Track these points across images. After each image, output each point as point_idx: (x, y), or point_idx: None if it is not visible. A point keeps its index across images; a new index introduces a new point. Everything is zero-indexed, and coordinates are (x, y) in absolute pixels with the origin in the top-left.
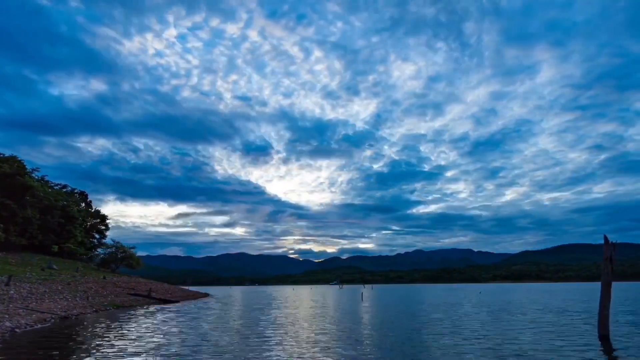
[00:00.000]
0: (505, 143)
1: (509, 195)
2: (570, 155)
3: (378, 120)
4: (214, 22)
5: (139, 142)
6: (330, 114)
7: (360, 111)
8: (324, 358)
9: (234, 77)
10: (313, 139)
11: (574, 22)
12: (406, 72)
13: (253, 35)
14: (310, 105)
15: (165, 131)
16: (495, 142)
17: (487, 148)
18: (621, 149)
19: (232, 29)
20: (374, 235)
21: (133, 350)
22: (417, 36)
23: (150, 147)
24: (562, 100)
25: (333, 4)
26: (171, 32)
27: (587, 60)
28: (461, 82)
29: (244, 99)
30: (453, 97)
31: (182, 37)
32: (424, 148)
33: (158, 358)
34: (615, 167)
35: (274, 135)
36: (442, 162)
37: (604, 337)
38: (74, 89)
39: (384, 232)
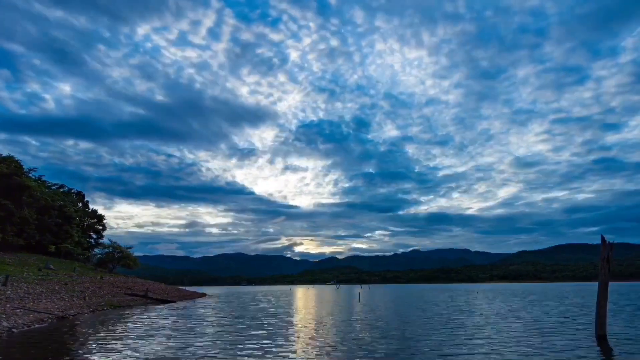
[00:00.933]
0: (493, 143)
1: (504, 195)
2: (561, 155)
3: (362, 121)
4: (185, 24)
5: (124, 143)
6: (311, 115)
7: (343, 113)
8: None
9: (210, 77)
10: (299, 139)
11: (548, 23)
12: (386, 73)
13: (226, 35)
14: (292, 106)
15: (149, 133)
16: (483, 142)
17: (475, 148)
18: (610, 150)
19: (205, 30)
20: (370, 235)
21: (129, 350)
22: (396, 37)
23: (137, 149)
24: (545, 101)
25: (304, 6)
26: (141, 32)
27: (563, 62)
28: (442, 83)
29: (225, 100)
30: (435, 98)
31: (149, 39)
32: (411, 149)
33: (153, 358)
34: (607, 167)
35: (259, 136)
36: (431, 163)
37: (601, 337)
38: (53, 91)
39: (380, 232)
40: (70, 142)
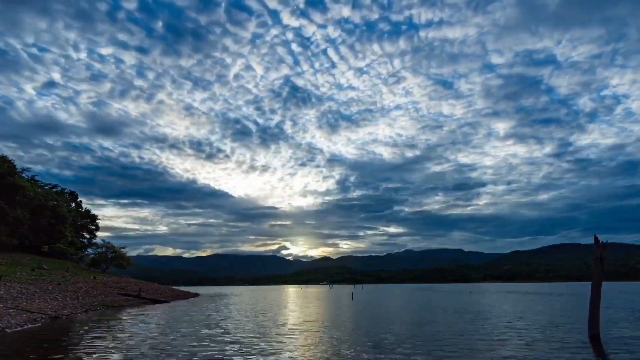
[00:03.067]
0: (462, 146)
1: (492, 196)
2: (541, 156)
3: (323, 126)
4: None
5: (94, 144)
6: (272, 120)
7: (305, 120)
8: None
9: (157, 82)
10: (268, 142)
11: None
12: (332, 81)
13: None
14: (249, 111)
15: (116, 135)
16: (458, 143)
17: (448, 149)
18: (584, 151)
19: (141, 39)
20: (363, 235)
21: (121, 350)
22: (348, 44)
23: (109, 151)
24: (504, 105)
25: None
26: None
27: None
28: (397, 89)
29: (183, 105)
30: (394, 104)
31: (90, 51)
32: (384, 151)
33: (145, 357)
34: (584, 168)
35: (222, 139)
36: (412, 165)
37: (594, 337)
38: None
39: (373, 232)
40: (35, 140)
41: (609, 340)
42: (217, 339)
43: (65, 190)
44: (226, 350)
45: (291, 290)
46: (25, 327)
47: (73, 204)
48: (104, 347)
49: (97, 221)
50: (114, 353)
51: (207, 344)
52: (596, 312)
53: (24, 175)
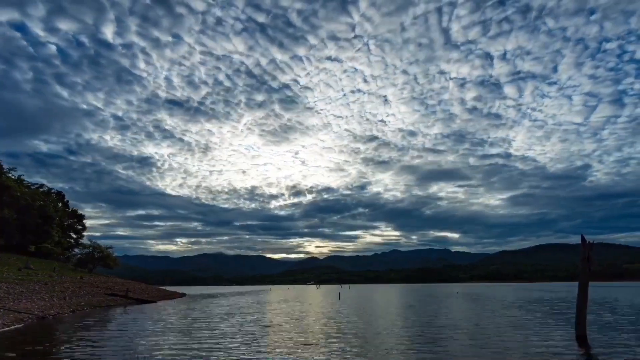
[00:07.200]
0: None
1: (480, 195)
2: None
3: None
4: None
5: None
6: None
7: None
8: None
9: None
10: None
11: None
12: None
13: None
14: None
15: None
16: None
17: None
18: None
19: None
20: (351, 235)
21: (109, 350)
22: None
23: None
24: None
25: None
26: None
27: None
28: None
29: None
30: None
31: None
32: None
33: (133, 358)
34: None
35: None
36: (395, 163)
37: (581, 337)
38: None
39: (361, 232)
40: None
41: (596, 341)
42: (200, 340)
43: (52, 190)
44: (217, 349)
45: (280, 290)
46: (12, 327)
47: (60, 204)
48: (88, 347)
49: (84, 221)
50: (99, 353)
51: (192, 345)
52: (583, 313)
53: (10, 175)
